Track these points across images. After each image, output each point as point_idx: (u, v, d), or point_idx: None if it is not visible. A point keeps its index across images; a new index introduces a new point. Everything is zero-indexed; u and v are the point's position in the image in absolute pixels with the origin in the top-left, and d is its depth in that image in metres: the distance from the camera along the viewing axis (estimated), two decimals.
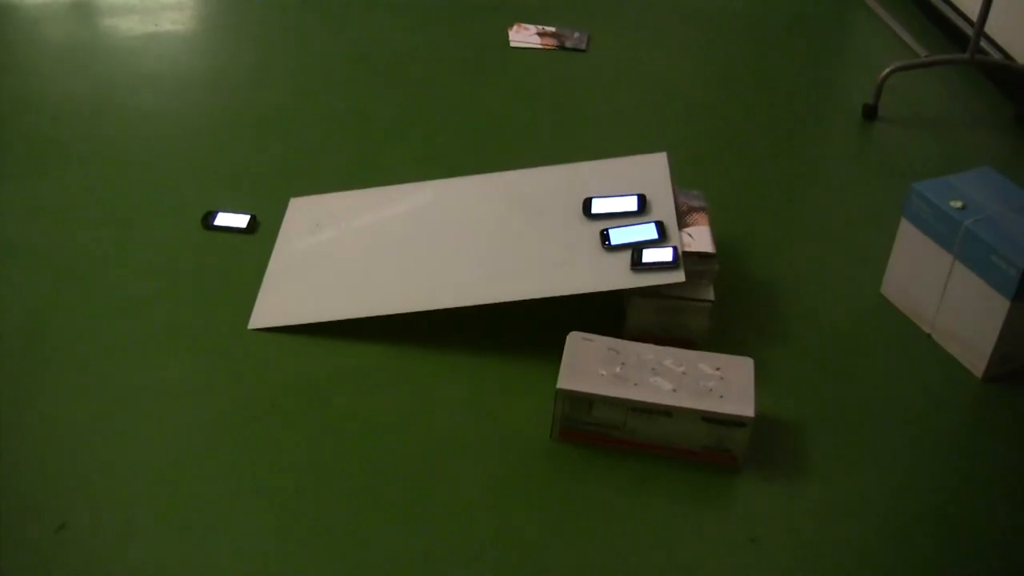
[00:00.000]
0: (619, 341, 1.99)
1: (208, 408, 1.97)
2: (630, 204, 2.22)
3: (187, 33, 3.24)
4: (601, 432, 1.91)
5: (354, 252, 2.29)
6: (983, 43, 3.26)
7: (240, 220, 2.42)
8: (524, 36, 3.32)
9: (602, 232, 2.17)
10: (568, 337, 1.99)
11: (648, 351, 1.96)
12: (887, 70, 3.06)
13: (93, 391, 1.99)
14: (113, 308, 2.17)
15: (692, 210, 2.23)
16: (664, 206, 2.22)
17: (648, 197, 2.24)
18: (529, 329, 2.20)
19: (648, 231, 2.15)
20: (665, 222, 2.17)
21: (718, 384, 1.89)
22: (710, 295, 2.10)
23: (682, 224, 2.18)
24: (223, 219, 2.42)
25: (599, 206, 2.23)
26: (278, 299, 2.20)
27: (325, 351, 2.11)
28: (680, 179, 2.66)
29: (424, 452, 1.91)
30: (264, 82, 3.01)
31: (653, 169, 2.32)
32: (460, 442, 1.94)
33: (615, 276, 2.08)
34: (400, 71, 3.12)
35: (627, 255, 2.11)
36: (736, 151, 2.85)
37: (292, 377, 2.05)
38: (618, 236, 2.16)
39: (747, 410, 1.87)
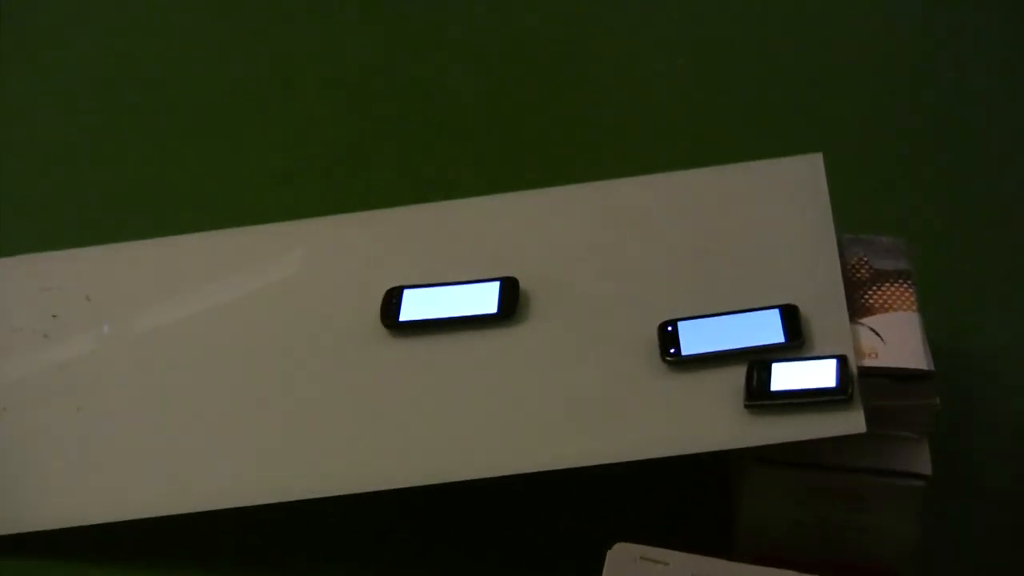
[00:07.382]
0: (717, 563, 1.16)
1: None
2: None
3: None
4: None
5: (137, 378, 1.28)
6: None
7: None
8: None
9: (663, 328, 1.13)
10: (609, 555, 1.21)
11: None
12: None
13: None
14: None
15: (881, 278, 1.21)
16: (818, 268, 1.20)
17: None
18: (529, 534, 1.29)
19: (765, 326, 1.13)
20: (801, 308, 1.14)
21: None
22: (925, 465, 1.09)
23: (858, 308, 1.16)
24: None
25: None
26: None
27: None
28: (851, 214, 1.55)
29: None
30: None
31: (793, 189, 1.30)
32: None
33: (704, 423, 1.10)
34: None
35: (727, 377, 1.11)
36: (961, 159, 1.72)
37: None
38: (695, 337, 1.14)
39: None
